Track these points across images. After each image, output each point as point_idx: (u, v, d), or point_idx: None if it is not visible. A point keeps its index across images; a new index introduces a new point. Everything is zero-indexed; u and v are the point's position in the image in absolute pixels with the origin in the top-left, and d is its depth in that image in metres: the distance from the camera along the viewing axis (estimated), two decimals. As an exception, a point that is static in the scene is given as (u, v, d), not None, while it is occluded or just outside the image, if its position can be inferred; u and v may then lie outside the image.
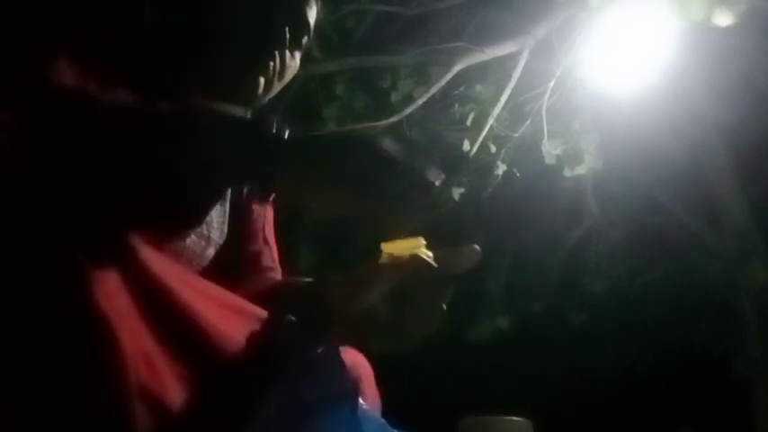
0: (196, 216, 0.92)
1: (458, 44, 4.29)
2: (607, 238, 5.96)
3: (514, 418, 2.81)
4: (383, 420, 0.82)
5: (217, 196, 0.81)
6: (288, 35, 0.98)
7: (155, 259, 0.73)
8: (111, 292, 0.69)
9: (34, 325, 0.68)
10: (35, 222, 0.69)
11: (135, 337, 0.69)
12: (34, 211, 0.70)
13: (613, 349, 6.51)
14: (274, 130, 0.75)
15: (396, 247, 0.80)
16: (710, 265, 5.61)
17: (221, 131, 0.74)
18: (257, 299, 0.89)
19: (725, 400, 5.15)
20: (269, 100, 1.07)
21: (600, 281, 6.21)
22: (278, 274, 1.14)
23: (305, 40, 1.02)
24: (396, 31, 4.80)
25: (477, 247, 0.82)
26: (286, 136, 0.76)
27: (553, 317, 6.47)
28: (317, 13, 1.05)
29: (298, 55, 1.03)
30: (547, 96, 4.33)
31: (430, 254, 0.80)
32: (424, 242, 0.80)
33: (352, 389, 0.80)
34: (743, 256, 5.10)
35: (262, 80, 0.98)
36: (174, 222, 0.88)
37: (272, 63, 0.98)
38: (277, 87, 1.02)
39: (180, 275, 0.75)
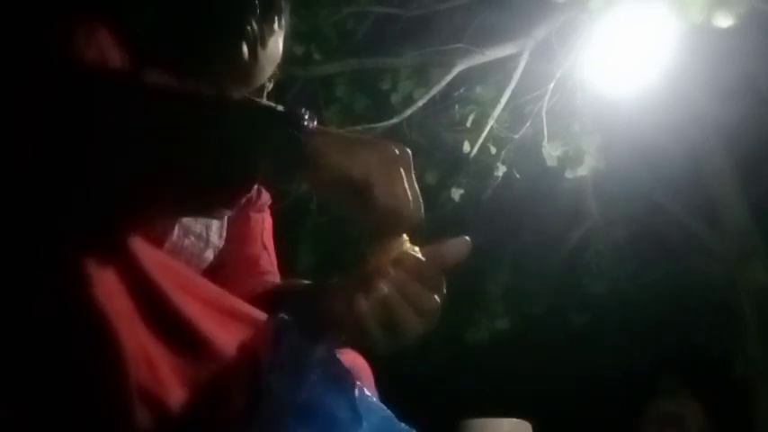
0: (228, 199, 0.92)
1: (458, 46, 4.29)
2: (607, 238, 5.96)
3: (514, 419, 2.82)
4: (389, 413, 0.82)
5: (243, 183, 0.81)
6: (258, 8, 1.00)
7: (153, 262, 0.74)
8: (111, 293, 0.69)
9: (34, 325, 0.69)
10: (35, 222, 0.70)
11: (135, 338, 0.70)
12: (34, 211, 0.70)
13: (614, 350, 6.51)
14: (301, 115, 0.76)
15: (383, 249, 0.81)
16: (711, 266, 5.62)
17: (249, 116, 0.75)
18: (256, 301, 0.89)
19: (725, 401, 5.15)
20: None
21: (600, 282, 6.20)
22: (276, 278, 1.15)
23: (276, 19, 1.03)
24: (396, 33, 4.81)
25: (466, 237, 0.82)
26: (314, 122, 0.77)
27: (553, 318, 6.47)
28: None
29: (278, 32, 1.03)
30: (547, 98, 4.33)
31: (416, 248, 0.81)
32: (407, 239, 0.81)
33: (351, 385, 0.80)
34: (743, 256, 5.10)
35: (245, 46, 0.99)
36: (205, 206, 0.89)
37: (249, 28, 0.99)
38: (264, 61, 1.02)
39: (177, 279, 0.76)
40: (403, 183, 0.78)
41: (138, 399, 0.69)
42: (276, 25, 1.03)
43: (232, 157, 0.74)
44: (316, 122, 0.77)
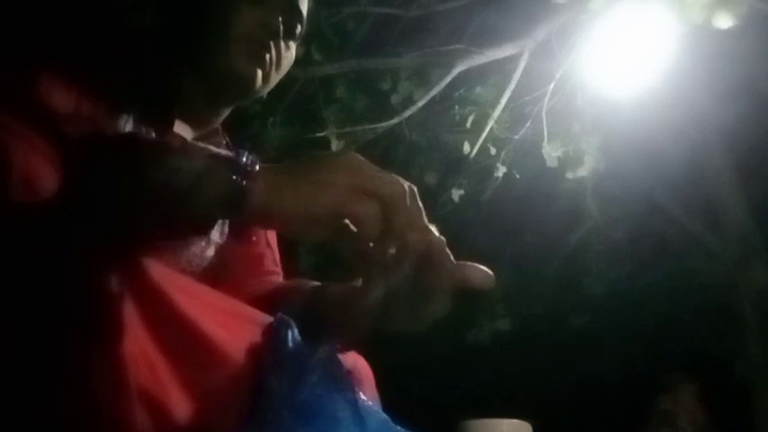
0: (174, 245, 0.92)
1: (458, 46, 4.29)
2: (607, 240, 5.96)
3: (514, 420, 2.81)
4: (386, 416, 0.81)
5: (195, 228, 0.80)
6: (282, 26, 0.99)
7: (153, 263, 0.73)
8: (112, 294, 0.69)
9: (34, 326, 0.69)
10: (35, 228, 0.70)
11: (135, 339, 0.69)
12: (33, 218, 0.70)
13: (613, 351, 6.51)
14: (244, 161, 0.73)
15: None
16: (711, 268, 5.61)
17: (191, 164, 0.72)
18: (260, 301, 0.89)
19: (725, 403, 5.15)
20: (268, 101, 1.08)
21: (600, 283, 6.21)
22: (280, 277, 1.14)
23: (298, 29, 1.02)
24: (396, 34, 4.81)
25: (491, 272, 0.80)
26: (256, 167, 0.73)
27: (553, 318, 6.47)
28: (309, 1, 1.06)
29: (293, 45, 1.03)
30: (547, 98, 4.33)
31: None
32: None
33: (351, 387, 0.80)
34: (743, 258, 5.10)
35: (260, 72, 0.98)
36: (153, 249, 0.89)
37: (268, 55, 0.98)
38: (275, 79, 1.03)
39: (177, 281, 0.76)
40: (383, 214, 0.72)
41: (138, 400, 0.69)
42: (293, 41, 1.02)
43: (173, 210, 0.72)
44: (257, 166, 0.73)
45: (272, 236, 1.16)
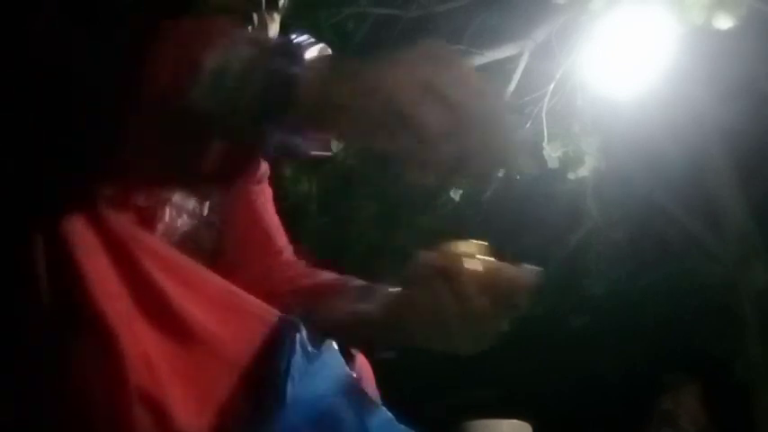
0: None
1: (457, 47, 4.29)
2: (607, 240, 5.96)
3: (514, 420, 2.81)
4: (390, 415, 0.81)
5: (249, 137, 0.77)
6: None
7: (155, 260, 0.73)
8: (111, 293, 0.69)
9: (33, 327, 0.69)
10: (33, 221, 0.70)
11: (135, 340, 0.69)
12: (31, 208, 0.70)
13: (613, 351, 6.51)
14: (293, 48, 0.71)
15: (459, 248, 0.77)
16: (711, 268, 5.61)
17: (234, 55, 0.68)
18: (287, 298, 0.88)
19: (725, 403, 5.15)
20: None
21: (600, 283, 6.20)
22: (289, 254, 1.12)
23: (281, 1, 1.02)
24: (396, 34, 4.81)
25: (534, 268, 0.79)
26: (306, 54, 0.70)
27: (553, 319, 6.46)
28: None
29: (276, 17, 1.02)
30: (547, 99, 4.33)
31: (481, 258, 0.78)
32: (477, 247, 0.77)
33: (354, 387, 0.80)
34: (743, 258, 5.09)
35: None
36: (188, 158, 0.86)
37: (250, 27, 0.97)
38: None
39: (181, 275, 0.75)
40: (461, 95, 0.65)
41: (138, 400, 0.69)
42: (276, 12, 1.01)
43: (214, 113, 0.69)
44: (318, 51, 0.70)
45: (272, 211, 1.13)
